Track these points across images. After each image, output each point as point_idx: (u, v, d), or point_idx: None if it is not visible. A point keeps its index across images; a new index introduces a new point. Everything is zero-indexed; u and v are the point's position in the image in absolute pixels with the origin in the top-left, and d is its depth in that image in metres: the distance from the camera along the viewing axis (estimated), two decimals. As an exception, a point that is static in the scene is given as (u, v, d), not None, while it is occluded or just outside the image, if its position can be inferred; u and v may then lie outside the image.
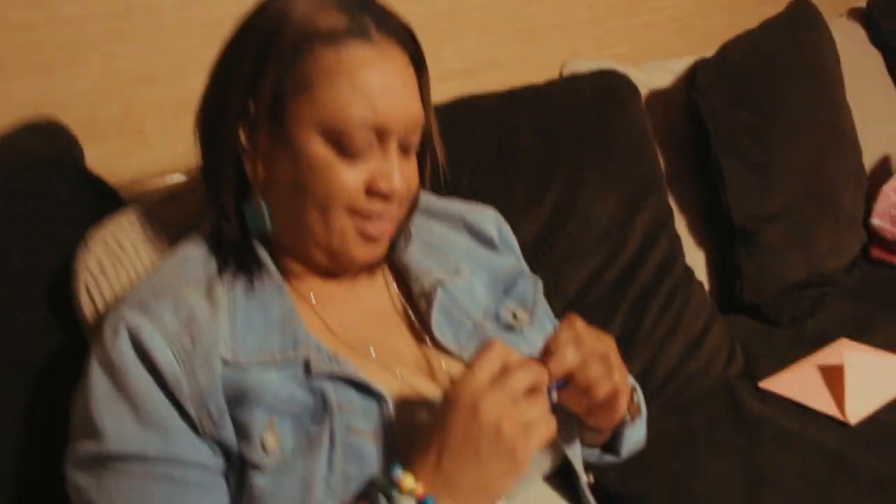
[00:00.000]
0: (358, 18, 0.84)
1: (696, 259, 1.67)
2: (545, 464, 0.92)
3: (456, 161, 1.31)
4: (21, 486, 0.96)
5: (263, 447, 0.78)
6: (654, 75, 1.69)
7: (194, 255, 0.90)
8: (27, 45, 1.26)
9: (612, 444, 1.05)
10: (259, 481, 0.77)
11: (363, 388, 0.84)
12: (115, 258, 0.99)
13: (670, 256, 1.51)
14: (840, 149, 1.75)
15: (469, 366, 0.75)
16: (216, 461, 0.80)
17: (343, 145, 0.83)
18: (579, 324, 0.82)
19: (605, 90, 1.51)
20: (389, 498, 0.72)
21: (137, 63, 1.36)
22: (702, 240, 1.71)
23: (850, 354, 1.48)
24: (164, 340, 0.79)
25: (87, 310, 0.98)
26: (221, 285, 0.87)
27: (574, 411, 0.89)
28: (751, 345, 1.58)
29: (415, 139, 0.90)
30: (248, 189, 0.89)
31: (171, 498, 0.77)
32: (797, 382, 1.45)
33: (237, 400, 0.80)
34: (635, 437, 1.06)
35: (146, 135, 1.39)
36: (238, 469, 0.80)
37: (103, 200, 1.09)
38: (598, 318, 1.39)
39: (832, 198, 1.69)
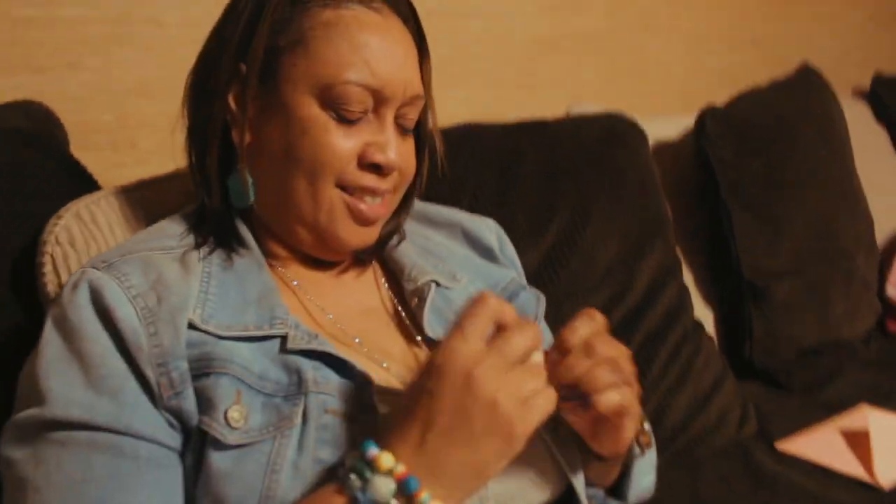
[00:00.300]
0: None
1: (704, 317, 1.59)
2: (546, 491, 0.81)
3: (457, 184, 1.28)
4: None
5: (227, 420, 0.69)
6: (659, 128, 1.66)
7: (171, 229, 0.85)
8: (24, 42, 1.23)
9: (618, 487, 0.94)
10: (219, 460, 0.68)
11: (344, 370, 0.76)
12: (87, 233, 0.93)
13: (679, 305, 1.43)
14: (852, 212, 1.70)
15: (458, 323, 0.65)
16: (172, 437, 0.71)
17: (337, 108, 0.78)
18: (599, 318, 0.73)
19: (611, 130, 1.47)
20: (363, 478, 0.61)
21: (135, 72, 1.34)
22: (710, 296, 1.64)
23: (874, 418, 1.39)
24: (126, 297, 0.72)
25: (51, 284, 0.91)
26: (197, 255, 0.81)
27: (576, 427, 0.79)
28: (764, 409, 1.48)
29: (413, 115, 0.85)
30: (233, 161, 0.83)
31: (117, 473, 0.67)
32: (818, 444, 1.36)
33: (202, 368, 0.71)
34: (644, 482, 0.96)
35: (140, 149, 1.36)
36: (196, 447, 0.71)
37: (82, 184, 1.03)
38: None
39: (844, 258, 1.63)
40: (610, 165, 1.43)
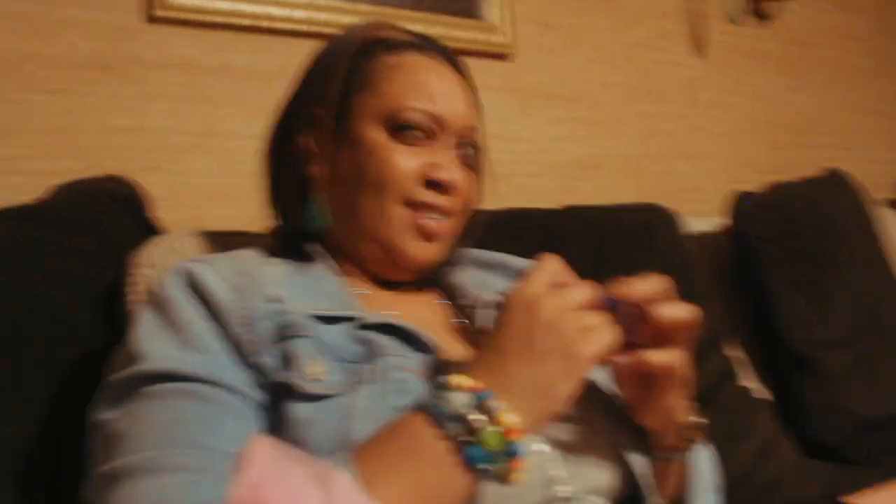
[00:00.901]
0: (418, 38, 0.95)
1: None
2: (608, 478, 0.84)
3: (504, 258, 1.35)
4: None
5: (307, 374, 0.75)
6: (694, 224, 1.74)
7: (253, 251, 0.93)
8: (114, 146, 1.39)
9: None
10: (299, 410, 0.73)
11: (415, 343, 0.82)
12: (174, 260, 1.02)
13: (724, 371, 1.45)
14: (894, 297, 1.72)
15: (524, 275, 0.73)
16: (256, 392, 0.76)
17: (401, 132, 0.89)
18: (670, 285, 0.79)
19: (650, 216, 1.56)
20: (440, 395, 0.67)
21: (211, 180, 1.48)
22: (761, 377, 1.63)
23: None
24: (218, 275, 0.80)
25: (137, 301, 0.99)
26: (278, 261, 0.89)
27: (627, 395, 0.84)
28: (826, 478, 1.44)
29: (471, 153, 0.95)
30: (307, 193, 0.93)
31: (205, 418, 0.71)
32: (886, 499, 1.31)
33: (285, 331, 0.78)
34: (706, 502, 0.96)
35: (207, 248, 1.47)
36: (276, 402, 0.76)
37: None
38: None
39: (892, 335, 1.63)
40: (650, 246, 1.51)
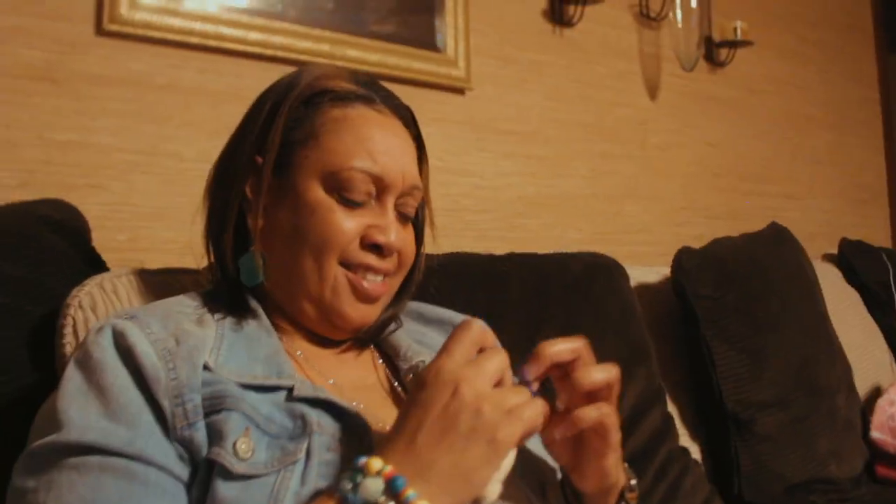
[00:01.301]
0: (365, 89, 0.93)
1: (691, 452, 1.60)
2: None
3: (445, 303, 1.34)
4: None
5: (235, 451, 0.73)
6: (639, 273, 1.75)
7: (187, 300, 0.91)
8: (56, 162, 1.35)
9: None
10: (225, 489, 0.71)
11: (346, 419, 0.80)
12: (108, 302, 1.00)
13: (664, 429, 1.47)
14: (828, 354, 1.76)
15: (445, 346, 0.71)
16: (181, 469, 0.74)
17: (342, 192, 0.87)
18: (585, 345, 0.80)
19: (594, 264, 1.57)
20: (354, 481, 0.65)
21: (153, 200, 1.44)
22: (696, 433, 1.66)
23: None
24: (147, 339, 0.77)
25: (69, 346, 0.97)
26: (211, 318, 0.87)
27: (559, 458, 0.83)
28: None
29: (412, 204, 0.94)
30: (246, 243, 0.91)
31: (128, 496, 0.69)
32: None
33: (214, 406, 0.76)
34: None
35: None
36: (204, 479, 0.74)
37: (100, 272, 1.10)
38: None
39: (826, 396, 1.67)
40: (593, 295, 1.51)
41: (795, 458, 1.59)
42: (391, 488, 0.63)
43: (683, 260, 1.65)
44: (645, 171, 2.30)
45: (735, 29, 2.42)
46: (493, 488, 0.69)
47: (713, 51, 2.51)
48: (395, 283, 0.95)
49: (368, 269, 0.88)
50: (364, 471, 0.65)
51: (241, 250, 0.91)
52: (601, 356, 1.41)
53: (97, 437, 0.70)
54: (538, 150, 2.05)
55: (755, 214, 2.53)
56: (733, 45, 2.45)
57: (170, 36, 1.46)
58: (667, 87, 2.38)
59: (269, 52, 1.57)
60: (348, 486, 0.64)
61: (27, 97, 1.34)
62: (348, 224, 0.87)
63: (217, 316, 0.87)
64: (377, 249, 0.88)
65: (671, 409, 1.60)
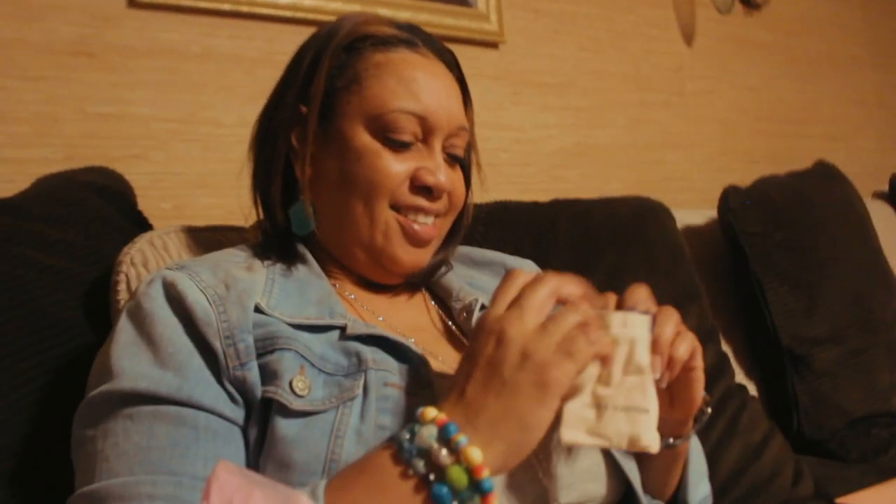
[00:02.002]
0: (407, 32, 0.91)
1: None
2: (603, 485, 0.82)
3: (493, 249, 1.34)
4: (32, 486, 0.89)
5: (292, 389, 0.73)
6: (685, 216, 1.73)
7: (237, 251, 0.91)
8: (97, 135, 1.36)
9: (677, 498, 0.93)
10: (285, 427, 0.72)
11: (401, 354, 0.80)
12: (159, 257, 1.01)
13: (719, 367, 1.45)
14: (885, 289, 1.72)
15: (491, 298, 0.70)
16: (234, 410, 0.74)
17: (388, 136, 0.86)
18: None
19: (641, 207, 1.55)
20: (412, 431, 0.64)
21: (194, 168, 1.45)
22: (752, 372, 1.63)
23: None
24: (197, 286, 0.78)
25: (123, 301, 0.98)
26: (261, 263, 0.87)
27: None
28: (820, 475, 1.44)
29: (459, 145, 0.93)
30: (294, 192, 0.91)
31: (177, 441, 0.70)
32: (882, 499, 1.30)
33: (267, 346, 0.76)
34: (701, 490, 0.95)
35: (193, 236, 1.45)
36: (261, 418, 0.74)
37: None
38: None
39: (883, 330, 1.63)
40: (641, 239, 1.49)
41: (855, 393, 1.56)
42: (443, 434, 0.62)
43: (730, 198, 1.62)
44: (683, 118, 2.26)
45: (770, -32, 2.36)
46: (649, 435, 0.66)
47: (748, -8, 2.45)
48: (446, 224, 0.95)
49: (419, 210, 0.88)
50: (419, 419, 0.64)
51: (290, 201, 0.91)
52: (653, 295, 1.41)
53: (148, 385, 0.71)
54: (575, 101, 2.03)
55: (799, 157, 2.47)
56: (769, -16, 2.39)
57: (201, 4, 1.47)
58: (702, 32, 2.33)
59: (300, 14, 1.57)
60: (406, 435, 0.64)
61: (65, 72, 1.35)
62: (396, 167, 0.86)
63: (267, 263, 0.87)
64: (427, 191, 0.88)
65: (725, 349, 1.58)
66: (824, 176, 1.83)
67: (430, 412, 0.64)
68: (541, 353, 0.63)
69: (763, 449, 1.37)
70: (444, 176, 0.88)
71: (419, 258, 0.91)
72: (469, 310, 0.93)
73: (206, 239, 1.07)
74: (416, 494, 0.62)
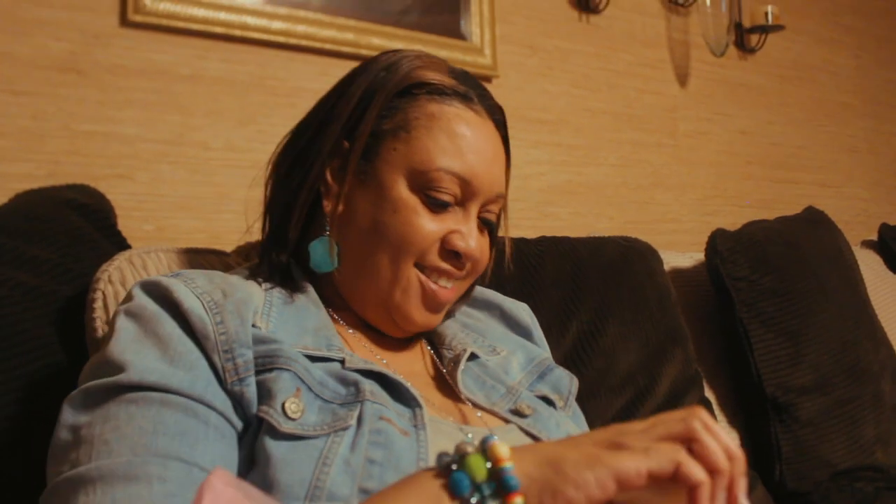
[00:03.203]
0: (464, 85, 0.89)
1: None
2: None
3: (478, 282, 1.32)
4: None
5: (284, 411, 0.71)
6: (672, 258, 1.72)
7: (233, 272, 0.89)
8: (82, 152, 1.35)
9: None
10: (273, 447, 0.70)
11: (398, 393, 0.79)
12: (137, 275, 0.99)
13: (703, 413, 1.42)
14: (872, 339, 1.70)
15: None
16: (236, 419, 0.73)
17: (428, 192, 0.85)
18: None
19: (628, 248, 1.53)
20: (462, 454, 0.60)
21: (179, 190, 1.44)
22: (735, 420, 1.62)
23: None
24: (192, 293, 0.76)
25: (99, 320, 0.96)
26: (259, 286, 0.85)
27: None
28: (800, 526, 1.42)
29: (494, 212, 0.92)
30: (312, 226, 0.90)
31: (188, 431, 0.68)
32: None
33: (266, 364, 0.74)
34: None
35: (175, 260, 1.43)
36: (251, 438, 0.73)
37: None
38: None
39: (869, 381, 1.62)
40: (628, 280, 1.48)
41: (840, 444, 1.54)
42: (503, 481, 0.57)
43: (718, 242, 1.61)
44: (675, 159, 2.26)
45: (766, 13, 2.37)
46: None
47: (743, 36, 2.46)
48: (463, 287, 0.95)
49: (443, 273, 0.87)
50: (482, 447, 0.60)
51: (305, 232, 0.90)
52: (637, 339, 1.40)
53: (158, 379, 0.69)
54: (567, 138, 2.02)
55: (789, 203, 2.48)
56: (764, 30, 2.40)
57: (193, 26, 1.46)
58: (696, 74, 2.34)
59: (292, 41, 1.56)
60: (453, 458, 0.60)
61: (53, 88, 1.34)
62: (431, 226, 0.85)
63: (265, 286, 0.85)
64: (455, 256, 0.87)
65: (708, 395, 1.56)
66: (813, 222, 1.82)
67: (502, 448, 0.59)
68: (624, 437, 0.59)
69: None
70: (474, 242, 0.87)
71: (431, 320, 0.90)
72: (457, 360, 0.92)
73: (187, 260, 1.05)
74: (436, 479, 0.59)
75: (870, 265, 2.09)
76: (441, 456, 0.61)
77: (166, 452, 0.65)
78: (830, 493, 1.53)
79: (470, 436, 0.80)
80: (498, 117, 0.92)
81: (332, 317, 0.89)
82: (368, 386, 0.76)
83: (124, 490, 0.62)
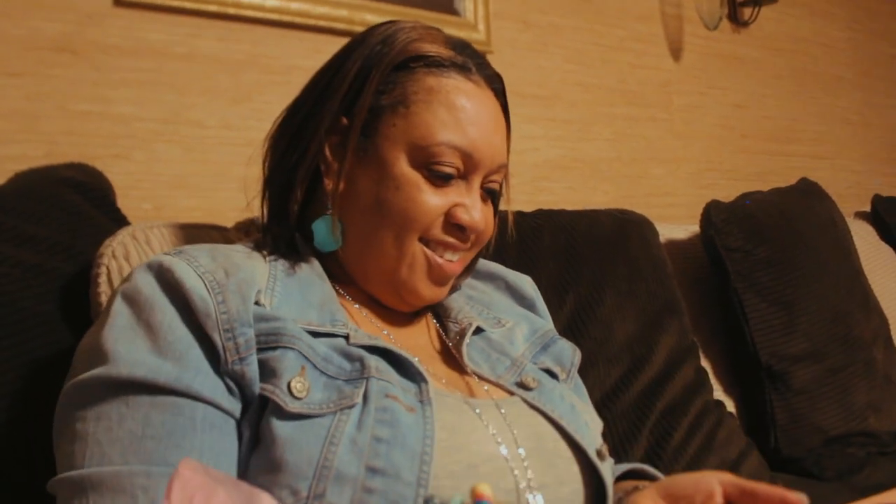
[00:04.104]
0: (461, 55, 0.88)
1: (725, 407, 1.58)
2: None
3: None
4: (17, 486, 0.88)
5: (290, 390, 0.72)
6: (668, 230, 1.74)
7: (236, 244, 0.89)
8: (78, 132, 1.35)
9: None
10: (279, 427, 0.70)
11: (404, 369, 0.79)
12: (141, 251, 1.00)
13: (697, 382, 1.45)
14: (864, 307, 1.72)
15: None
16: (232, 403, 0.73)
17: (430, 167, 0.84)
18: None
19: (624, 221, 1.55)
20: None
21: (175, 169, 1.44)
22: (731, 388, 1.64)
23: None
24: (194, 272, 0.76)
25: (104, 294, 0.96)
26: (263, 257, 0.85)
27: None
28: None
29: (497, 182, 0.92)
30: (313, 204, 0.90)
31: (173, 431, 0.69)
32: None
33: (270, 342, 0.75)
34: None
35: (172, 239, 1.44)
36: (255, 417, 0.73)
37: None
38: (625, 429, 1.30)
39: (862, 349, 1.64)
40: (624, 252, 1.50)
41: (832, 411, 1.57)
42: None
43: (713, 213, 1.62)
44: (669, 133, 2.27)
45: (759, -14, 2.38)
46: None
47: (736, 9, 2.47)
48: (468, 259, 0.94)
49: (448, 246, 0.87)
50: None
51: (306, 211, 0.90)
52: (633, 310, 1.42)
53: (146, 373, 0.70)
54: (561, 113, 2.03)
55: (783, 175, 2.49)
56: (757, 3, 2.41)
57: (187, 5, 1.45)
58: (690, 48, 2.35)
59: (286, 18, 1.56)
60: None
61: (47, 69, 1.34)
62: (434, 201, 0.85)
63: (269, 258, 0.85)
64: (460, 229, 0.87)
65: (705, 364, 1.58)
66: (807, 194, 1.84)
67: (485, 488, 0.59)
68: None
69: (738, 465, 1.37)
70: (478, 214, 0.87)
71: (438, 294, 0.91)
72: (462, 334, 0.93)
73: (188, 235, 1.06)
74: None
75: (863, 236, 2.11)
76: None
77: (152, 458, 0.67)
78: (823, 458, 1.56)
79: (478, 410, 0.80)
80: (497, 86, 0.92)
81: (336, 291, 0.89)
82: (373, 362, 0.76)
83: (112, 502, 0.65)
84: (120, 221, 1.12)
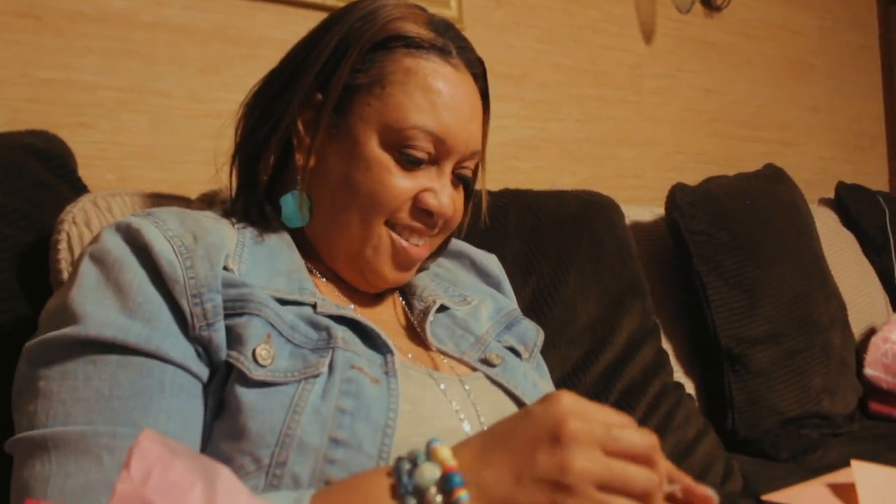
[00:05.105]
0: (443, 37, 0.87)
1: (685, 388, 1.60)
2: None
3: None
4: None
5: (255, 357, 0.71)
6: (634, 212, 1.75)
7: (206, 211, 0.88)
8: (42, 100, 1.33)
9: None
10: (243, 395, 0.70)
11: (370, 340, 0.80)
12: (102, 218, 0.98)
13: (657, 364, 1.47)
14: (824, 292, 1.76)
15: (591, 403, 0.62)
16: (200, 367, 0.73)
17: (402, 150, 0.83)
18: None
19: (590, 202, 1.56)
20: (414, 461, 0.60)
21: (141, 139, 1.43)
22: (691, 371, 1.66)
23: (859, 469, 1.37)
24: (163, 235, 0.75)
25: (64, 261, 0.95)
26: (231, 223, 0.85)
27: None
28: (749, 472, 1.47)
29: (470, 168, 0.91)
30: (282, 178, 0.89)
31: (141, 392, 0.68)
32: (804, 496, 1.34)
33: (237, 308, 0.74)
34: None
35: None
36: (220, 384, 0.73)
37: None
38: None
39: (820, 332, 1.67)
40: (588, 233, 1.50)
41: (789, 393, 1.60)
42: (445, 481, 0.58)
43: (677, 196, 1.64)
44: (639, 115, 2.28)
45: (731, -29, 2.38)
46: None
47: (709, -6, 2.48)
48: (435, 244, 0.94)
49: (414, 231, 0.87)
50: (428, 453, 0.61)
51: (275, 184, 0.90)
52: (597, 291, 1.43)
53: (115, 333, 0.69)
54: (531, 93, 2.03)
55: (750, 160, 2.52)
56: (730, -13, 2.42)
57: (155, -28, 1.44)
58: (662, 31, 2.36)
59: (256, -11, 1.54)
60: (406, 466, 0.60)
61: (10, 34, 1.32)
62: (403, 184, 0.84)
63: (238, 225, 0.85)
64: (427, 214, 0.86)
65: (666, 346, 1.60)
66: (772, 179, 1.86)
67: (443, 451, 0.60)
68: (581, 483, 0.56)
69: (695, 446, 1.39)
70: (447, 199, 0.87)
71: (403, 278, 0.90)
72: (426, 311, 0.93)
73: (151, 203, 1.05)
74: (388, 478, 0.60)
75: (825, 222, 2.15)
76: (402, 469, 0.60)
77: (119, 418, 0.66)
78: (779, 439, 1.59)
79: (442, 386, 0.81)
80: (477, 70, 0.91)
81: (307, 265, 0.89)
82: (340, 332, 0.76)
83: (76, 463, 0.64)
84: (81, 191, 1.10)
